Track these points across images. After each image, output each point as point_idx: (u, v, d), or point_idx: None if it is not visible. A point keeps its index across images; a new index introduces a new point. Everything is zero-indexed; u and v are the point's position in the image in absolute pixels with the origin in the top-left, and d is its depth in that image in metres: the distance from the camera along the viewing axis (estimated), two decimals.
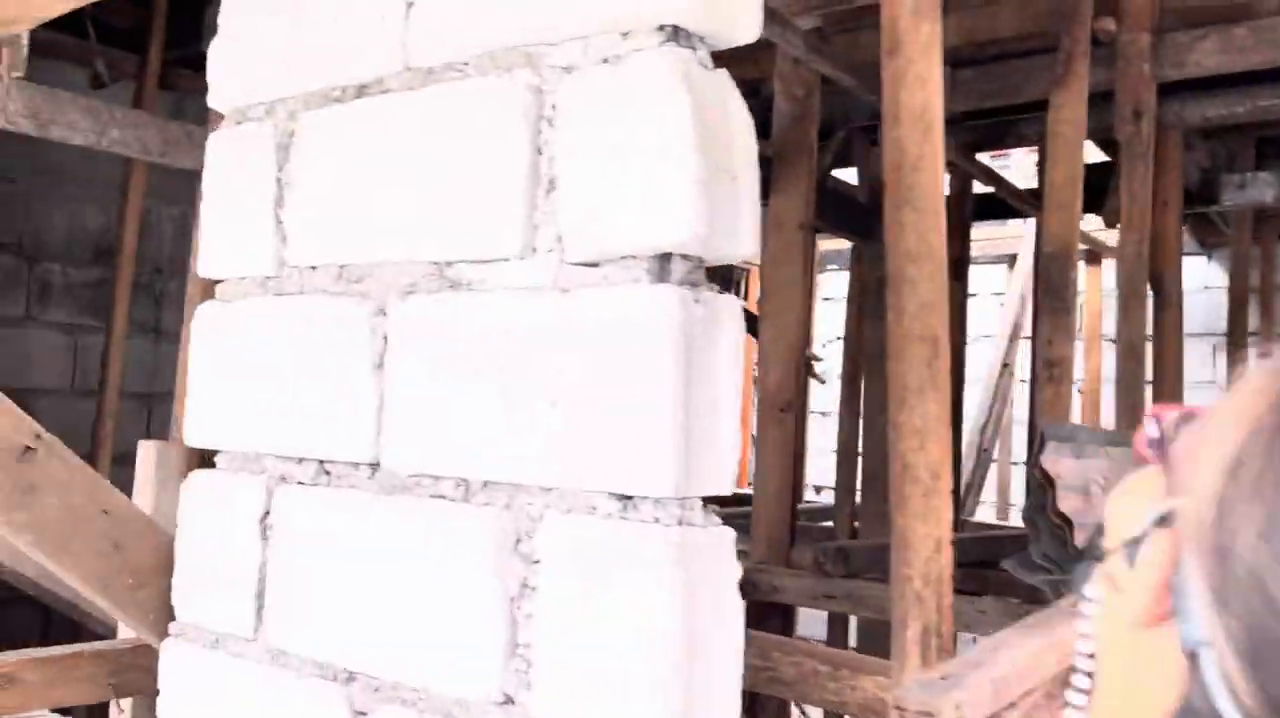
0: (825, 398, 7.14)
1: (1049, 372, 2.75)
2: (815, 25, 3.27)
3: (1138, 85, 3.40)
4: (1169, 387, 4.14)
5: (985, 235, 6.62)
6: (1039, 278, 2.82)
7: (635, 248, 1.06)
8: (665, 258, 1.08)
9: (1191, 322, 6.58)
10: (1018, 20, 3.89)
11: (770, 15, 2.84)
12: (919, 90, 1.75)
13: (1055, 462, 2.42)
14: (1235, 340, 5.71)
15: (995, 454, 6.80)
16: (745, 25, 1.24)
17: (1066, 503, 2.37)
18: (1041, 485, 2.38)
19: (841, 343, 4.91)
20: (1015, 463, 6.98)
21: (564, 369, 1.00)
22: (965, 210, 4.73)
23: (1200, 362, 6.70)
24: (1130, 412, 3.57)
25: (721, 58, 1.15)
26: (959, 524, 5.67)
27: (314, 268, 1.22)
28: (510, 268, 1.09)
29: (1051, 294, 2.77)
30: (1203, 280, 6.75)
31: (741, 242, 1.21)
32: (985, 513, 7.09)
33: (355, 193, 1.19)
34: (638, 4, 1.10)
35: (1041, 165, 5.05)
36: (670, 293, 1.05)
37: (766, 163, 3.37)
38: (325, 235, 1.22)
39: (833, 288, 8.33)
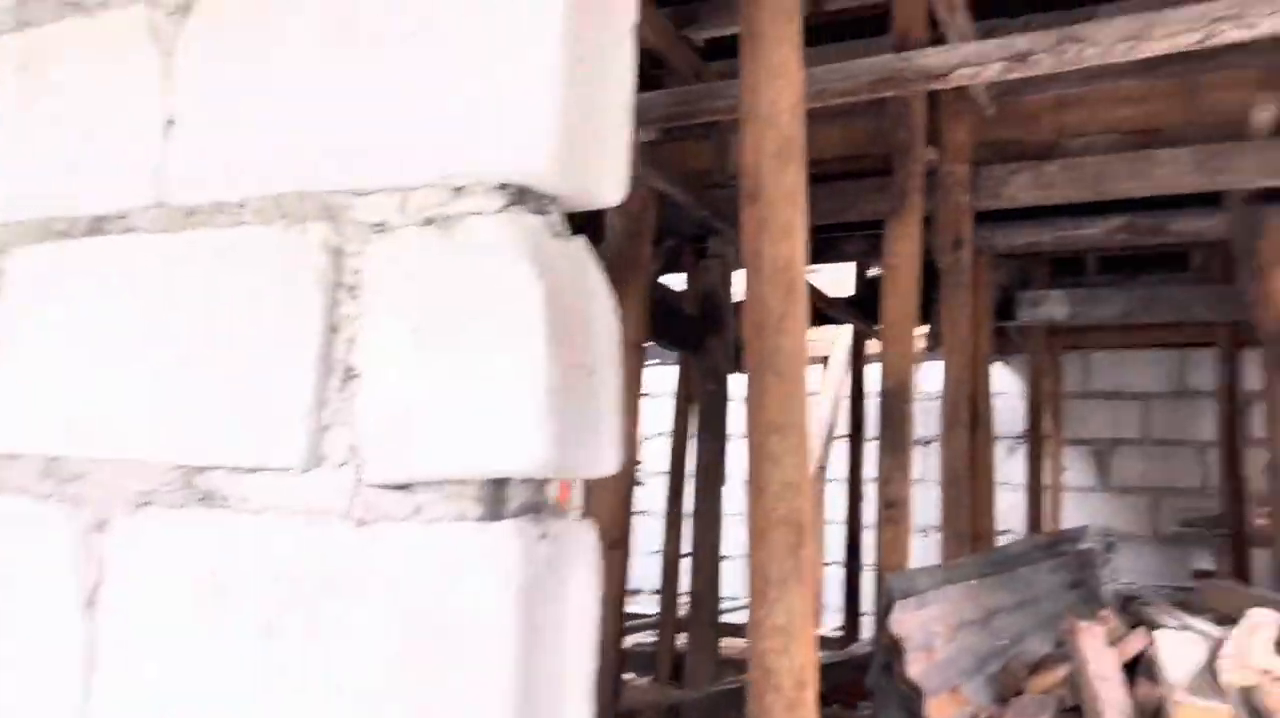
0: (644, 497, 6.98)
1: (888, 512, 2.64)
2: (650, 139, 3.13)
3: (958, 215, 3.46)
4: (982, 496, 4.20)
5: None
6: (882, 415, 2.71)
7: (462, 470, 0.80)
8: (501, 483, 0.83)
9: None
10: (842, 142, 3.93)
11: None
12: (784, 242, 1.58)
13: (901, 621, 2.28)
14: (1032, 442, 5.99)
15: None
16: (610, 184, 1.01)
17: (915, 666, 2.22)
18: (889, 649, 2.23)
19: (668, 440, 4.73)
20: (828, 564, 7.00)
21: (363, 643, 0.72)
22: None
23: (999, 462, 7.00)
24: (957, 539, 3.55)
25: None
26: None
27: (13, 457, 0.88)
28: (287, 483, 0.81)
29: (890, 430, 2.68)
30: (998, 386, 7.09)
31: (602, 455, 0.97)
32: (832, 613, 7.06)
33: (78, 361, 0.87)
34: (475, 153, 0.85)
35: (859, 275, 5.16)
36: (507, 536, 0.80)
37: None
38: (33, 414, 0.88)
39: (652, 384, 8.25)
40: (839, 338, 6.64)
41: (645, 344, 3.39)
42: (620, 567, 2.96)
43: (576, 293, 0.96)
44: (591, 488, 2.90)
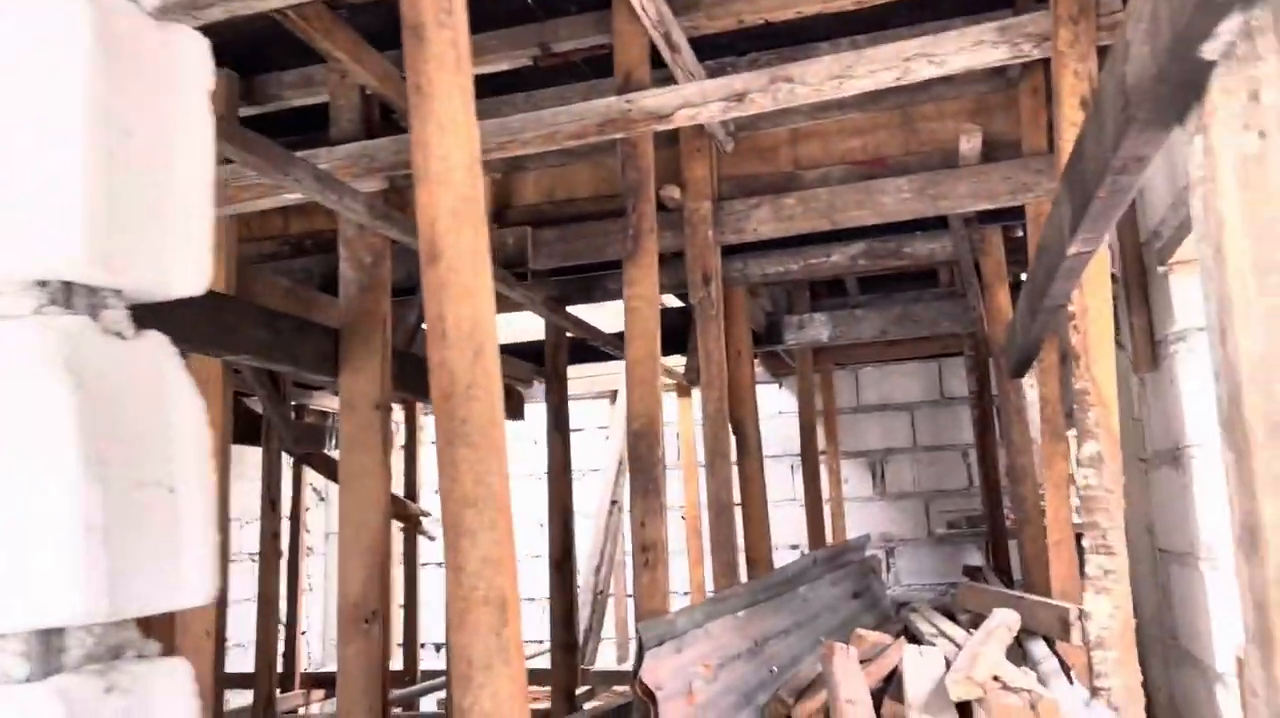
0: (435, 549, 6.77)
1: (644, 556, 2.60)
2: (380, 188, 2.99)
3: (704, 251, 3.51)
4: (756, 521, 4.27)
5: (587, 373, 6.70)
6: (631, 458, 2.68)
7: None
8: (56, 633, 0.71)
9: (771, 446, 7.10)
10: (594, 181, 3.93)
11: (325, 180, 2.51)
12: (466, 304, 1.48)
13: (654, 670, 2.23)
14: (807, 459, 6.18)
15: (611, 589, 6.76)
16: (186, 271, 0.88)
17: (669, 715, 2.18)
18: (642, 702, 2.18)
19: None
20: (631, 595, 6.98)
21: None
22: (560, 359, 4.66)
23: (782, 480, 7.23)
24: (726, 565, 3.58)
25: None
26: (582, 675, 5.47)
27: None
28: None
29: (642, 474, 2.64)
30: (777, 407, 7.33)
31: (185, 583, 0.84)
32: (607, 651, 7.00)
33: None
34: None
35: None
36: (50, 698, 0.69)
37: (333, 333, 2.99)
38: None
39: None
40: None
41: (402, 397, 3.22)
42: (380, 643, 2.77)
43: (143, 400, 0.83)
44: (344, 555, 2.66)
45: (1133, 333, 3.13)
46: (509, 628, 1.43)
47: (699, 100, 2.70)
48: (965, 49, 2.57)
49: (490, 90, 3.56)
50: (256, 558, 4.93)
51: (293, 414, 6.26)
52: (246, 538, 7.31)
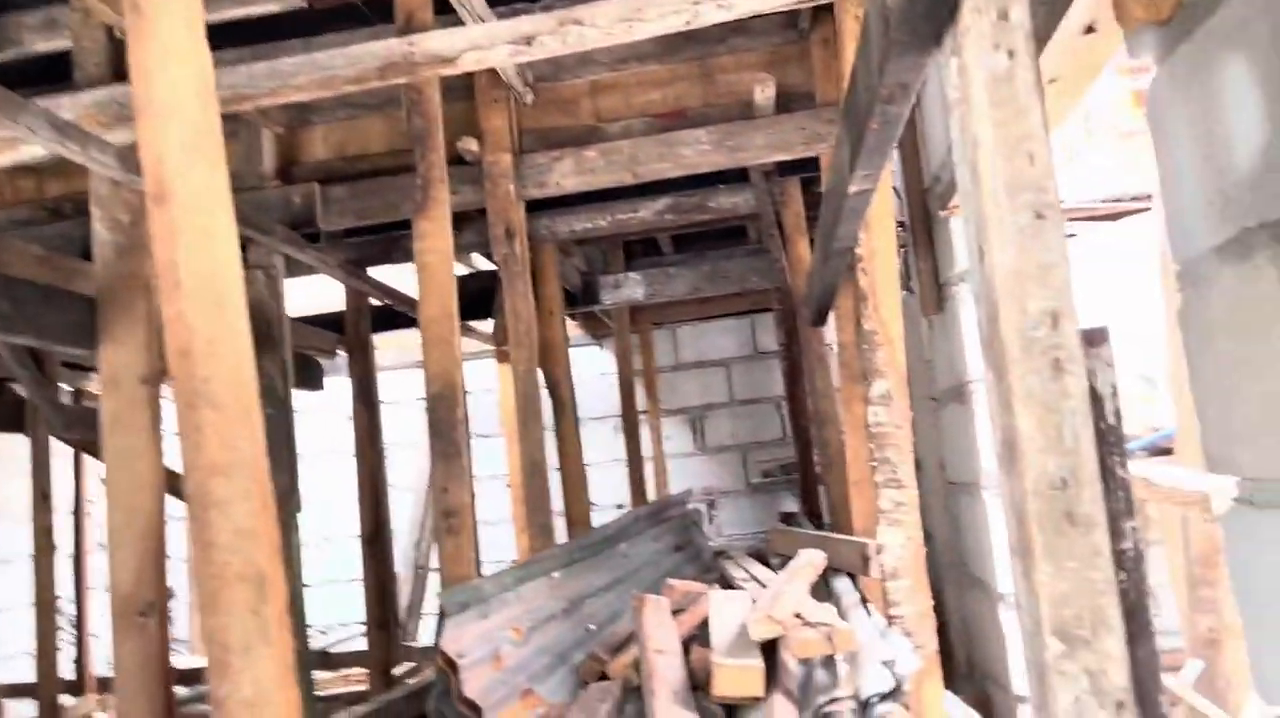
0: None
1: (448, 522, 2.49)
2: (135, 139, 2.70)
3: (506, 206, 3.40)
4: (573, 481, 4.23)
5: (397, 342, 6.45)
6: (430, 422, 2.56)
7: None
8: None
9: (594, 407, 7.10)
10: (388, 136, 3.73)
11: (66, 130, 2.24)
12: (203, 250, 1.33)
13: (457, 638, 2.14)
14: (628, 419, 6.20)
15: (434, 563, 6.59)
16: None
17: (474, 683, 2.09)
18: (443, 672, 2.08)
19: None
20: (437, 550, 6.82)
21: None
22: (362, 326, 4.44)
23: (606, 441, 7.24)
24: (541, 528, 3.52)
25: None
26: (406, 652, 5.30)
27: None
28: None
29: (441, 437, 2.53)
30: (599, 368, 7.31)
31: None
32: (431, 626, 6.84)
33: None
34: None
35: None
36: None
37: (91, 302, 2.70)
38: None
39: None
40: None
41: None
42: (158, 638, 2.55)
43: None
44: (113, 545, 2.42)
45: (920, 277, 3.26)
46: (270, 606, 1.30)
47: (486, 43, 2.57)
48: None
49: (264, 37, 3.29)
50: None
51: (71, 398, 5.72)
52: (24, 538, 6.68)
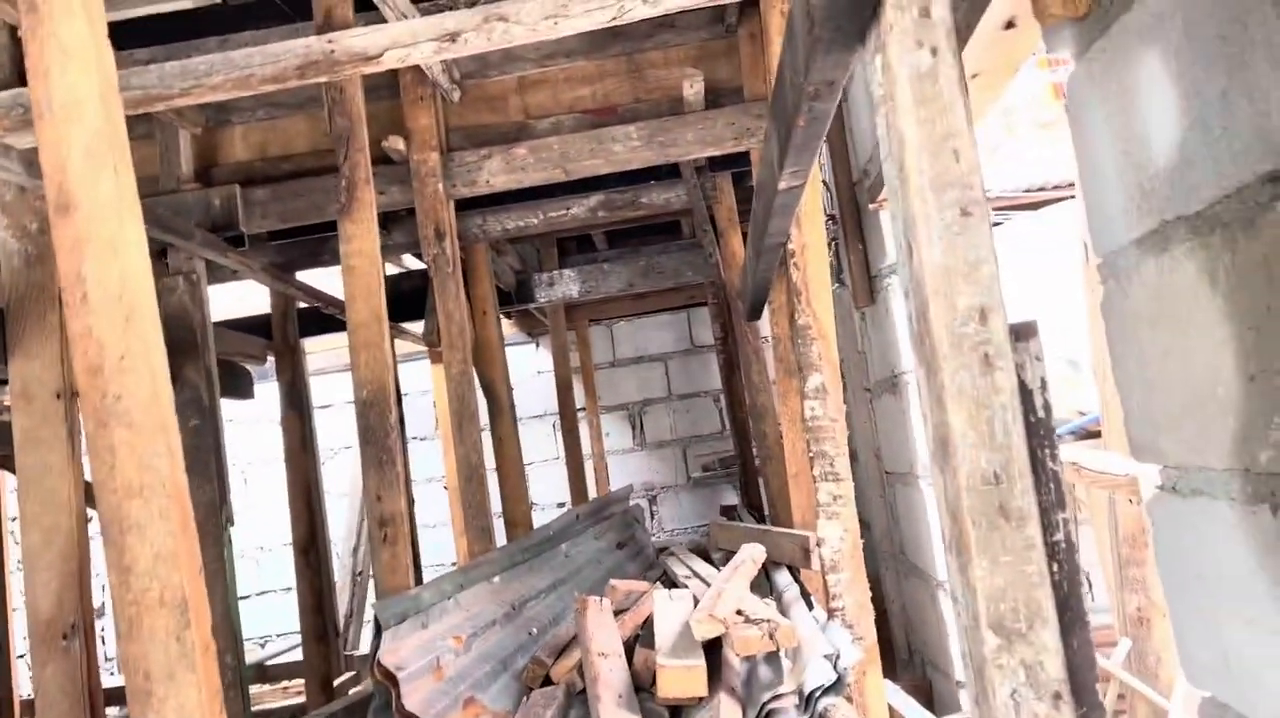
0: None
1: (383, 531, 2.44)
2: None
3: (435, 205, 3.34)
4: (512, 482, 4.19)
5: (329, 345, 6.33)
6: (360, 429, 2.50)
7: None
8: None
9: (531, 406, 7.05)
10: (311, 135, 3.64)
11: None
12: (111, 261, 1.27)
13: (395, 651, 2.10)
14: (566, 417, 6.16)
15: (372, 569, 6.48)
16: None
17: (415, 695, 2.05)
18: (382, 684, 2.04)
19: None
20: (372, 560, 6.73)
21: None
22: (290, 331, 4.34)
23: (545, 439, 7.20)
24: (480, 531, 3.47)
25: None
26: (346, 662, 5.21)
27: None
28: None
29: (374, 445, 2.47)
30: (535, 367, 7.27)
31: None
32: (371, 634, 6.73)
33: None
34: None
35: None
36: None
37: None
38: None
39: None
40: None
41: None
42: (81, 662, 2.45)
43: None
44: (30, 566, 2.32)
45: (851, 269, 3.29)
46: (193, 631, 1.25)
47: (409, 40, 2.52)
48: None
49: (179, 35, 3.18)
50: None
51: None
52: None
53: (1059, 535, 1.14)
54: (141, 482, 1.25)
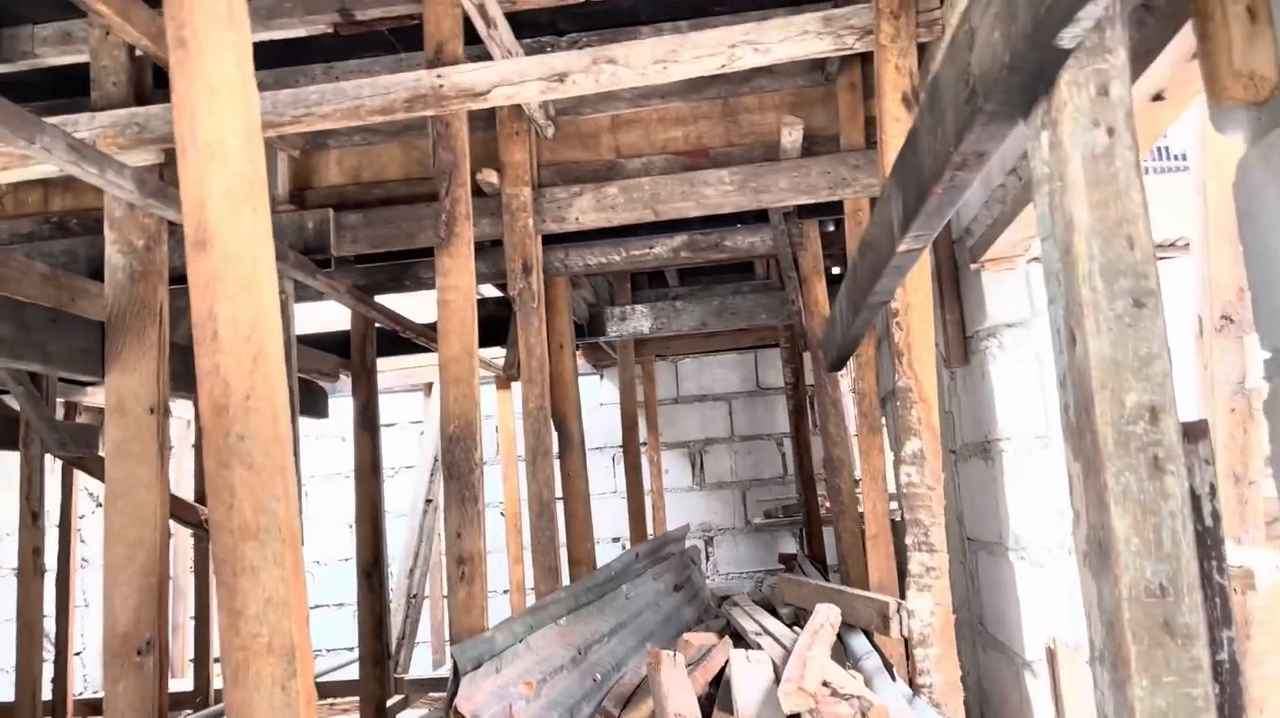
0: None
1: (460, 569, 2.41)
2: (155, 162, 2.65)
3: (524, 240, 3.34)
4: (579, 519, 4.15)
5: (396, 365, 6.38)
6: (445, 465, 2.48)
7: None
8: None
9: (594, 437, 7.01)
10: (405, 162, 3.68)
11: (83, 151, 2.17)
12: (244, 301, 1.26)
13: (471, 697, 2.06)
14: (629, 451, 6.12)
15: (427, 591, 6.48)
16: None
17: None
18: None
19: None
20: (448, 596, 6.74)
21: None
22: (368, 352, 4.37)
23: (605, 472, 7.16)
24: (547, 571, 3.43)
25: None
26: (395, 684, 5.19)
27: None
28: None
29: (458, 481, 2.45)
30: (599, 399, 7.24)
31: None
32: (423, 656, 6.72)
33: None
34: None
35: None
36: None
37: (99, 327, 2.63)
38: None
39: None
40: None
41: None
42: (155, 679, 2.45)
43: None
44: (111, 580, 2.33)
45: (945, 329, 3.20)
46: (299, 680, 1.22)
47: (517, 78, 2.52)
48: (790, 38, 2.51)
49: (285, 60, 3.24)
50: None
51: (62, 413, 5.61)
52: (8, 551, 6.56)
53: (1223, 654, 1.07)
54: (258, 524, 1.23)
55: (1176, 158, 3.40)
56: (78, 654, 7.01)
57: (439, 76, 2.53)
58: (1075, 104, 1.09)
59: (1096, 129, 1.09)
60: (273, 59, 3.22)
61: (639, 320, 5.39)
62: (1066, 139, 1.10)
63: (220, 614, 1.24)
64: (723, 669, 2.73)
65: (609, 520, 6.91)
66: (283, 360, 1.30)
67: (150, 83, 2.83)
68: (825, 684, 2.08)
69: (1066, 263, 1.11)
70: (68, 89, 3.29)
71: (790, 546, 6.71)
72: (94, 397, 5.46)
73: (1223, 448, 2.50)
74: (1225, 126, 1.30)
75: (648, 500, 6.45)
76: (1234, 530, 2.50)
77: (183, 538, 6.36)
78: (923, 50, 2.72)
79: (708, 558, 7.03)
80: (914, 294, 2.33)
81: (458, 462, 2.48)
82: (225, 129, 1.26)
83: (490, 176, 3.36)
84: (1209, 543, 1.07)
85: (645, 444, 6.63)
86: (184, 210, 1.27)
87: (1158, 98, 1.64)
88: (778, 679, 2.22)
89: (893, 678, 2.44)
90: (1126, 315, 1.06)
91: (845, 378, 4.24)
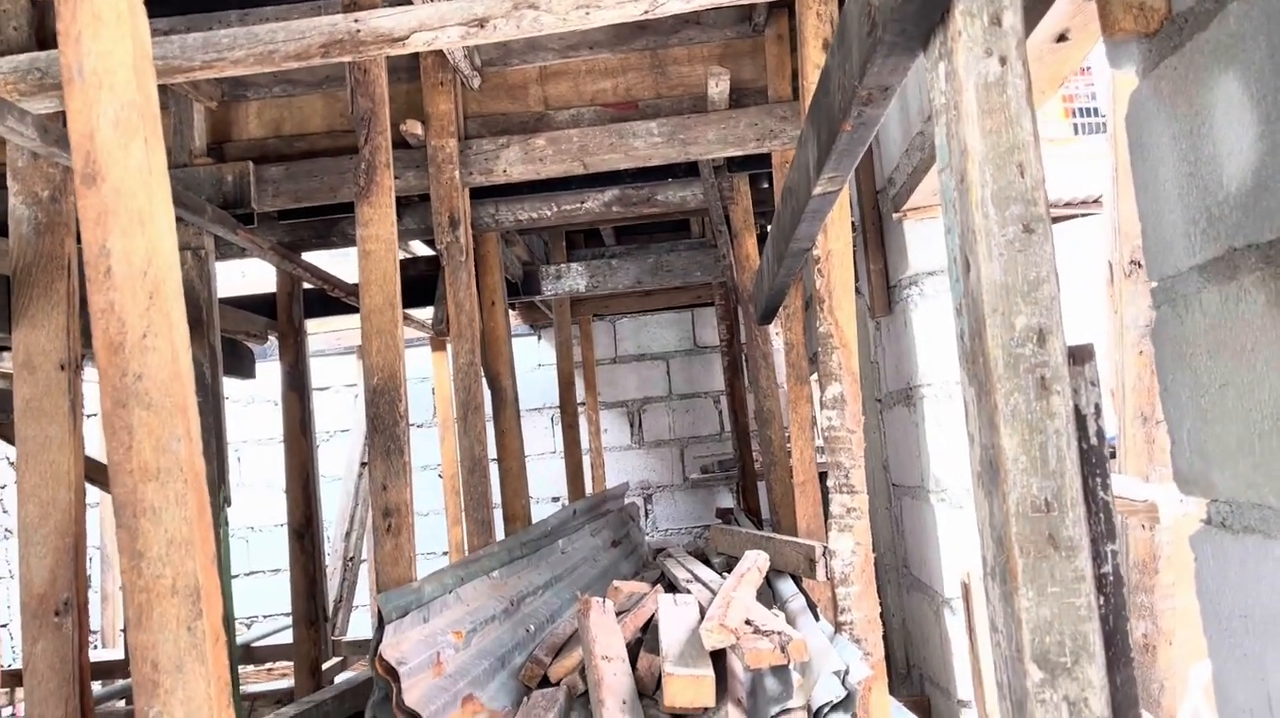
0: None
1: (387, 521, 2.40)
2: (59, 109, 2.55)
3: (450, 193, 3.30)
4: (513, 476, 4.15)
5: (329, 327, 6.28)
6: (369, 416, 2.46)
7: None
8: None
9: (531, 398, 7.00)
10: (329, 114, 3.59)
11: None
12: (138, 235, 1.23)
13: (396, 645, 2.06)
14: (566, 411, 6.12)
15: (365, 554, 6.44)
16: None
17: (415, 691, 2.01)
18: (383, 678, 2.00)
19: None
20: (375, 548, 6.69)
21: None
22: (295, 312, 4.29)
23: (543, 432, 7.16)
24: (481, 523, 3.43)
25: None
26: (334, 647, 5.17)
27: None
28: None
29: (382, 433, 2.43)
30: (536, 359, 7.22)
31: None
32: (362, 619, 6.69)
33: None
34: None
35: None
36: None
37: (4, 281, 2.54)
38: None
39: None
40: None
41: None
42: (75, 639, 2.41)
43: None
44: (25, 540, 2.28)
45: (870, 279, 3.25)
46: (205, 620, 1.21)
47: (436, 23, 2.47)
48: None
49: (197, 6, 3.13)
50: None
51: None
52: None
53: (1107, 568, 1.11)
54: (159, 465, 1.21)
55: (1105, 117, 3.47)
56: (3, 627, 6.85)
57: (356, 21, 2.47)
58: (969, 33, 1.10)
59: (989, 58, 1.10)
60: (185, 5, 3.12)
61: (574, 279, 5.37)
62: (961, 68, 1.11)
63: (121, 557, 1.22)
64: (653, 616, 2.77)
65: (548, 480, 6.92)
66: (181, 298, 1.27)
67: (53, 27, 2.71)
68: (748, 623, 2.12)
69: (961, 190, 1.13)
70: None
71: (727, 500, 6.80)
72: (9, 362, 5.28)
73: (1131, 390, 2.58)
74: (1119, 61, 1.32)
75: (586, 460, 6.47)
76: (1142, 469, 2.59)
77: (110, 508, 6.22)
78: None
79: (647, 515, 7.09)
80: (834, 241, 2.35)
81: (382, 414, 2.46)
82: (113, 57, 1.22)
83: (415, 128, 3.30)
84: (1094, 461, 1.11)
85: (584, 404, 6.64)
86: (72, 143, 1.23)
87: (1062, 38, 1.66)
88: (703, 620, 2.26)
89: (817, 618, 2.50)
90: (1017, 241, 1.08)
91: (777, 335, 4.28)
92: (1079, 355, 1.11)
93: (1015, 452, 1.06)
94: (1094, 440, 1.11)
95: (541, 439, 7.11)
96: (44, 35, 2.67)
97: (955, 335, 1.18)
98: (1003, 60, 1.11)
